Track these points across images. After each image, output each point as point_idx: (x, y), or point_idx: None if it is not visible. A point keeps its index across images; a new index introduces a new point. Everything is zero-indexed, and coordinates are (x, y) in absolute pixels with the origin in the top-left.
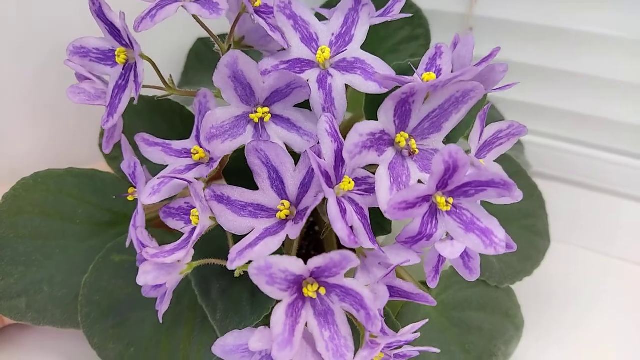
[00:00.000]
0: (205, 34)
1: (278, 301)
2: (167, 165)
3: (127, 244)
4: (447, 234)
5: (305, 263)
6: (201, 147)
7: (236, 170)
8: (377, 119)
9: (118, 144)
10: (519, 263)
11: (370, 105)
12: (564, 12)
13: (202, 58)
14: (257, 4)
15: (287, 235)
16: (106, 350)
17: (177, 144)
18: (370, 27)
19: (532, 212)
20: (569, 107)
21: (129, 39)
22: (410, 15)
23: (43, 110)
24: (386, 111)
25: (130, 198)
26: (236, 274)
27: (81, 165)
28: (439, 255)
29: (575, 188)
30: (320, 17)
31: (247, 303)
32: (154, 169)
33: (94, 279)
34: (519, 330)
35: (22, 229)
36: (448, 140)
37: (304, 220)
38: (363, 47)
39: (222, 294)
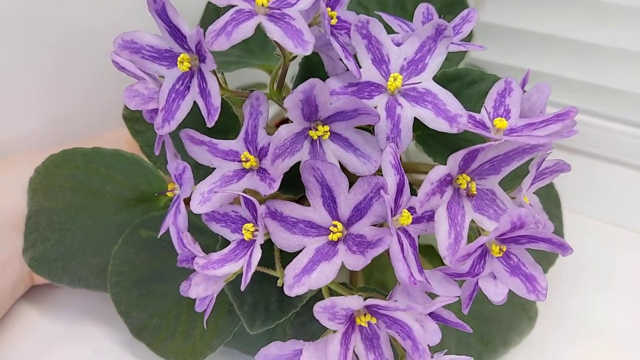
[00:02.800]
0: None
1: (308, 300)
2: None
3: (160, 234)
4: None
5: None
6: (251, 153)
7: None
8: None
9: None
10: None
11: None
12: None
13: (220, 12)
14: (332, 21)
15: (343, 263)
16: (131, 317)
17: (224, 144)
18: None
19: (548, 212)
20: (585, 77)
21: (202, 52)
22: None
23: (51, 83)
24: (456, 158)
25: (169, 194)
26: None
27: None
28: (475, 285)
29: (589, 159)
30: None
31: (276, 299)
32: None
33: (122, 251)
34: (532, 321)
35: (55, 199)
36: None
37: (368, 259)
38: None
39: (252, 287)
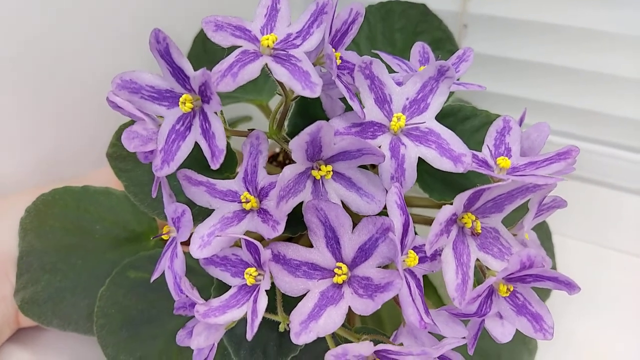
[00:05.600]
0: None
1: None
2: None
3: (154, 278)
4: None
5: None
6: (251, 193)
7: None
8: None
9: (132, 157)
10: None
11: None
12: (560, 8)
13: (207, 47)
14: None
15: (350, 307)
16: None
17: (222, 185)
18: (385, 34)
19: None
20: (568, 102)
21: (208, 93)
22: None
23: (37, 122)
24: (462, 198)
25: (165, 237)
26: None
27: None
28: (480, 324)
29: (577, 182)
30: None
31: (275, 343)
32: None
33: (110, 292)
34: (532, 355)
35: (45, 240)
36: None
37: (378, 304)
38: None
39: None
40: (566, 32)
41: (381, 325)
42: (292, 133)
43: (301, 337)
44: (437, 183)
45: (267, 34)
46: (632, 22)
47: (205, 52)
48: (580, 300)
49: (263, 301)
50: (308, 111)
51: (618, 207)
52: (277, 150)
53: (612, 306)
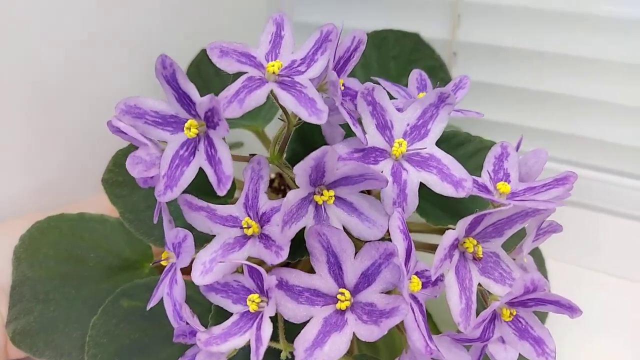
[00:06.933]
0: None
1: None
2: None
3: (150, 306)
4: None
5: None
6: (252, 219)
7: None
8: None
9: (128, 183)
10: None
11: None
12: (548, 35)
13: (202, 72)
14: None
15: (355, 333)
16: None
17: (222, 210)
18: (380, 62)
19: None
20: (557, 128)
21: (215, 119)
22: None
23: (34, 148)
24: (464, 223)
25: (164, 263)
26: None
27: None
28: (482, 350)
29: (567, 207)
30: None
31: None
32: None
33: (102, 321)
34: None
35: (39, 269)
36: None
37: (383, 330)
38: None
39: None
40: (554, 58)
41: (377, 353)
42: (291, 159)
43: None
44: (434, 209)
45: (271, 60)
46: (623, 50)
47: (200, 77)
48: (565, 320)
49: (268, 328)
50: (307, 138)
51: (609, 231)
52: (273, 176)
53: (595, 326)
